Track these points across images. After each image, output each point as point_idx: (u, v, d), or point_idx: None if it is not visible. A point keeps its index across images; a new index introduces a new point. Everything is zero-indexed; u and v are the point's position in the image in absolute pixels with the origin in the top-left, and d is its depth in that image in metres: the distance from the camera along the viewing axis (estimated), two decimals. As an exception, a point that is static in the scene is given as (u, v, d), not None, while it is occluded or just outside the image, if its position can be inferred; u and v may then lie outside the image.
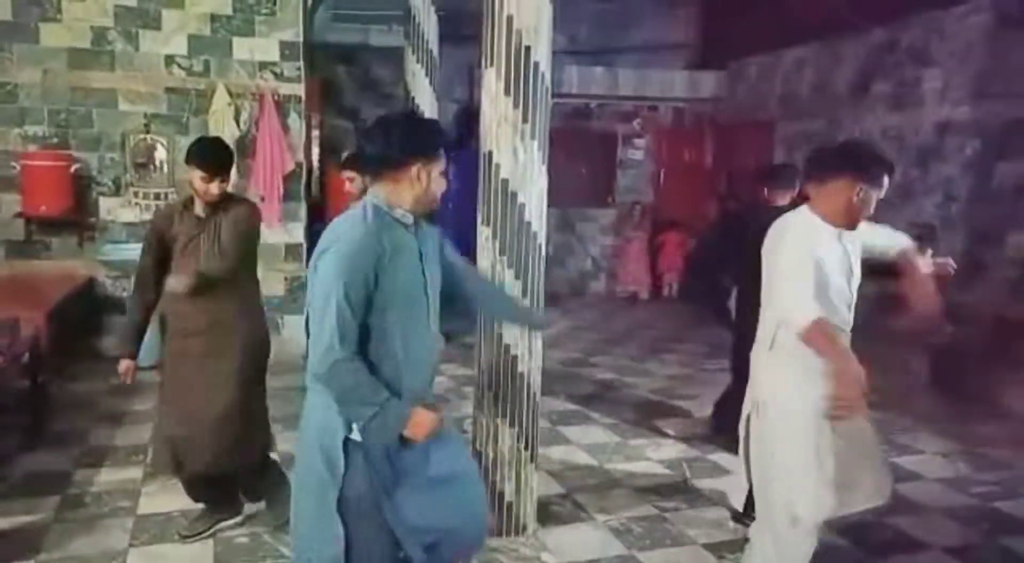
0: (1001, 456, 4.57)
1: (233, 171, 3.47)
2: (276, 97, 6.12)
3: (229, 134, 5.87)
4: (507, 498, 3.36)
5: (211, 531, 3.32)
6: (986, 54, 5.78)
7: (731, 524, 3.54)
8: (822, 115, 7.42)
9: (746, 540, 2.87)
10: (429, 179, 2.13)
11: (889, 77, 6.68)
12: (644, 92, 9.37)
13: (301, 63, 6.24)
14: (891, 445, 4.72)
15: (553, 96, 3.37)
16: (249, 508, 3.57)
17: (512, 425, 3.32)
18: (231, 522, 3.38)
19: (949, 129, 6.07)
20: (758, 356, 2.69)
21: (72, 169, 5.70)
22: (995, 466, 4.43)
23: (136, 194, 5.99)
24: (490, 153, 3.26)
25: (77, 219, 5.83)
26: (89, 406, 4.96)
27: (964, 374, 5.78)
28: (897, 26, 6.58)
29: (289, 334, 6.41)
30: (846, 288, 2.58)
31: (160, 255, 3.14)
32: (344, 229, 2.09)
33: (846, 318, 2.60)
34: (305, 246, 6.45)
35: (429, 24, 6.50)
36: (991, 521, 3.72)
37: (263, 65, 6.13)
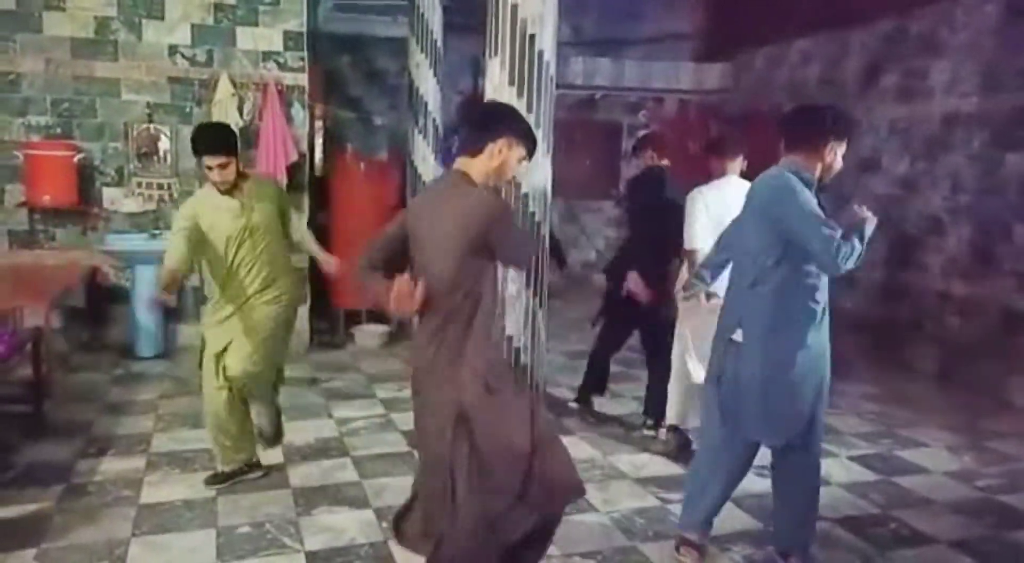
0: (1007, 450, 4.55)
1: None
2: (279, 87, 6.10)
3: (232, 124, 5.86)
4: (510, 489, 3.35)
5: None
6: (995, 45, 5.73)
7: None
8: (829, 107, 7.37)
9: None
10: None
11: (897, 68, 6.63)
12: (649, 84, 9.31)
13: (305, 53, 6.21)
14: (896, 438, 4.71)
15: (558, 87, 3.34)
16: (253, 500, 3.58)
17: (515, 416, 3.31)
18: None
19: (957, 120, 6.02)
20: None
21: (75, 159, 5.69)
22: (1001, 460, 4.41)
23: (139, 184, 5.98)
24: (494, 143, 3.23)
25: (81, 209, 5.83)
26: (92, 396, 4.97)
27: (971, 367, 5.75)
28: (905, 17, 6.53)
29: (295, 325, 6.39)
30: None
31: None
32: None
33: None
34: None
35: (433, 14, 6.48)
36: (997, 515, 3.70)
37: (267, 55, 6.11)
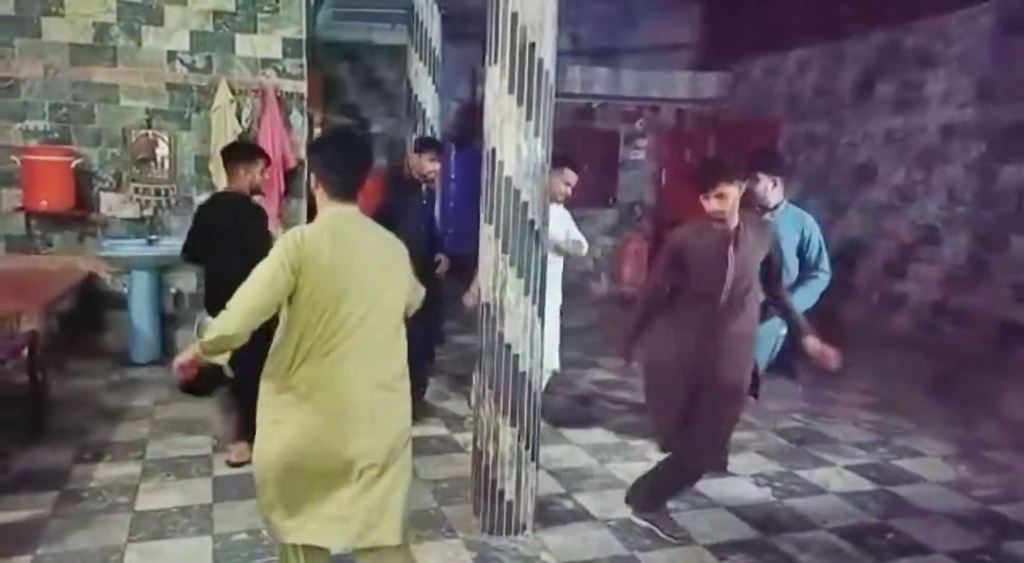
0: (1003, 460, 4.56)
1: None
2: (278, 94, 6.10)
3: (231, 131, 5.86)
4: (507, 497, 3.35)
5: None
6: (991, 57, 5.77)
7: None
8: (826, 117, 7.40)
9: None
10: None
11: (894, 79, 6.66)
12: (647, 93, 9.35)
13: (304, 60, 6.22)
14: (893, 447, 4.72)
15: (556, 95, 3.35)
16: (250, 506, 3.56)
17: (513, 424, 3.31)
18: None
19: (953, 131, 6.05)
20: None
21: (73, 164, 5.68)
22: (997, 470, 4.41)
23: (137, 190, 5.97)
24: (493, 151, 3.25)
25: (78, 214, 5.81)
26: (88, 402, 4.95)
27: (967, 377, 5.76)
28: (902, 28, 6.57)
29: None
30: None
31: None
32: None
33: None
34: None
35: (432, 23, 6.49)
36: (992, 525, 3.70)
37: (266, 62, 6.11)
